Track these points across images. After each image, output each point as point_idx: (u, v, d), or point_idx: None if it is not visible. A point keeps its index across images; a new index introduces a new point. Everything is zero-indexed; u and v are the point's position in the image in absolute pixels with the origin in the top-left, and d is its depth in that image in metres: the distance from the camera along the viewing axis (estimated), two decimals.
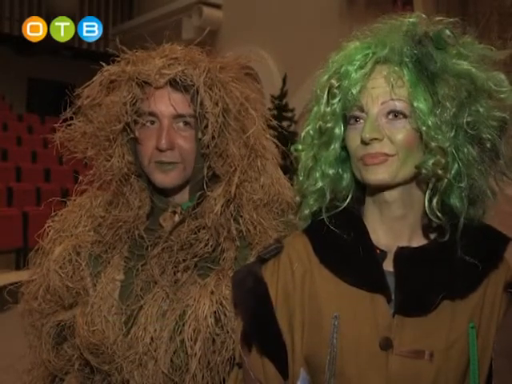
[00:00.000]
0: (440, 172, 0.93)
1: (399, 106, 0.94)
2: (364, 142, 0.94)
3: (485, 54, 0.97)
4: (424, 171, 0.95)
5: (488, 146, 0.96)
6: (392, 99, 0.94)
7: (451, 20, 0.98)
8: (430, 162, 0.93)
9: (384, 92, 0.95)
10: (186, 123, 1.18)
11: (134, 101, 1.17)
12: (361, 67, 0.96)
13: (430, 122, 0.92)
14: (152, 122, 1.18)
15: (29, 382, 1.34)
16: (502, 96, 0.96)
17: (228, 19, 8.99)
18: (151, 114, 1.17)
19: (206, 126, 1.16)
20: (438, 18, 0.99)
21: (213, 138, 1.16)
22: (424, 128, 0.92)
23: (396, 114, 0.94)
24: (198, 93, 1.15)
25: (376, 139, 0.93)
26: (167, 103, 1.16)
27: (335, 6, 6.82)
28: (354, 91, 0.95)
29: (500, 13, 5.32)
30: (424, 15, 1.00)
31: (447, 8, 5.41)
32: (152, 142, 1.17)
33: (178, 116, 1.17)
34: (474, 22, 5.22)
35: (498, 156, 0.97)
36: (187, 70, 1.16)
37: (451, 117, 0.93)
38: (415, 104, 0.93)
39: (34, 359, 1.32)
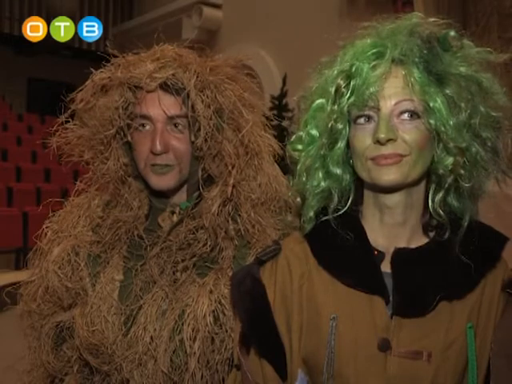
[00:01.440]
0: (463, 172, 0.94)
1: (413, 106, 0.93)
2: (379, 143, 0.93)
3: (482, 57, 0.97)
4: (441, 171, 0.95)
5: (489, 144, 0.96)
6: (405, 99, 0.94)
7: (448, 21, 0.98)
8: (447, 161, 0.94)
9: (397, 92, 0.94)
10: (178, 125, 1.18)
11: (127, 105, 1.18)
12: (376, 66, 0.95)
13: (451, 123, 0.92)
14: (145, 125, 1.18)
15: (28, 382, 1.34)
16: (494, 97, 0.96)
17: (228, 19, 8.98)
18: (144, 117, 1.18)
19: (199, 129, 1.16)
20: (431, 19, 0.99)
21: (206, 140, 1.16)
22: (443, 128, 0.92)
23: (410, 114, 0.94)
24: (188, 96, 1.15)
25: (391, 140, 0.93)
26: (159, 107, 1.16)
27: (335, 5, 6.82)
28: (372, 90, 0.94)
29: (500, 13, 5.32)
30: (423, 15, 1.00)
31: (447, 8, 5.40)
32: (146, 146, 1.17)
33: (171, 119, 1.17)
34: (474, 22, 5.23)
35: (497, 155, 0.98)
36: (178, 73, 1.16)
37: (466, 118, 0.93)
38: (432, 104, 0.92)
39: (33, 360, 1.32)
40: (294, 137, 1.06)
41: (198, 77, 1.16)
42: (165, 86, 1.16)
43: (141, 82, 1.16)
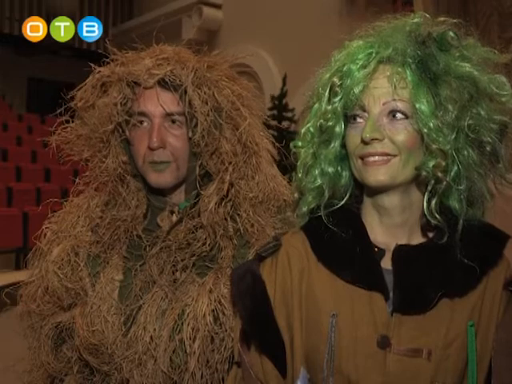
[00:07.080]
0: (440, 174, 0.93)
1: (401, 106, 0.93)
2: (364, 142, 0.94)
3: (487, 57, 0.97)
4: (424, 173, 0.94)
5: (488, 149, 0.95)
6: (394, 100, 0.94)
7: (454, 21, 0.98)
8: (431, 163, 0.93)
9: (386, 92, 0.94)
10: (176, 122, 1.19)
11: (125, 101, 1.18)
12: (363, 66, 0.95)
13: (431, 124, 0.92)
14: (143, 122, 1.19)
15: (28, 383, 1.34)
16: (503, 99, 0.95)
17: (228, 19, 9.00)
18: (141, 113, 1.18)
19: (196, 125, 1.17)
20: (440, 19, 0.98)
21: (203, 136, 1.17)
22: (425, 130, 0.92)
23: (397, 114, 0.94)
24: (186, 92, 1.16)
25: (376, 139, 0.93)
26: (157, 103, 1.17)
27: (335, 5, 6.83)
28: (356, 90, 0.95)
29: (500, 13, 5.32)
30: (427, 15, 1.00)
31: (447, 8, 5.41)
32: (144, 142, 1.18)
33: (168, 115, 1.18)
34: (474, 22, 5.23)
35: (497, 159, 0.97)
36: (176, 69, 1.17)
37: (453, 119, 0.92)
38: (417, 105, 0.92)
39: (33, 361, 1.32)
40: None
41: (195, 73, 1.17)
42: (163, 83, 1.17)
43: (139, 79, 1.16)
